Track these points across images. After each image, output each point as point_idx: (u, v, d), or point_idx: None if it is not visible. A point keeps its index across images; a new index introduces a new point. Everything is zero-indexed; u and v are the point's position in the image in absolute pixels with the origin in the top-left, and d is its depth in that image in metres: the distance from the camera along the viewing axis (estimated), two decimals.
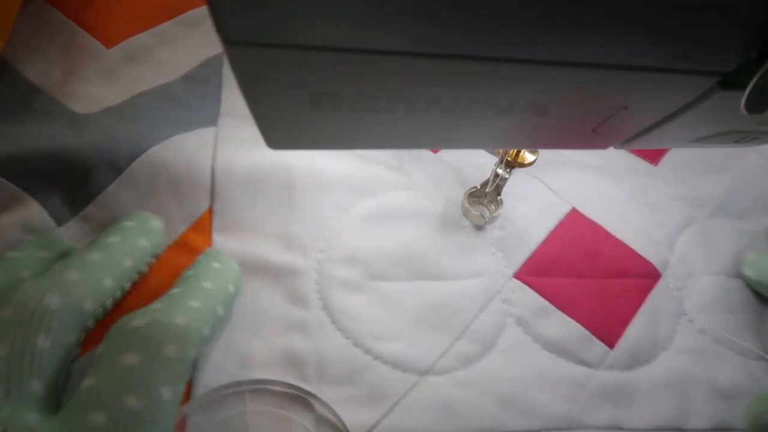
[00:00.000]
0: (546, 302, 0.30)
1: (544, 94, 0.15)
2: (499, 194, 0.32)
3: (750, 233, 0.35)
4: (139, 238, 0.27)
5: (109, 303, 0.25)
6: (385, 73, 0.13)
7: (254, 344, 0.27)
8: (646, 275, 0.32)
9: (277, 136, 0.16)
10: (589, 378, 0.29)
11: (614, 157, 0.37)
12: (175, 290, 0.25)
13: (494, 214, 0.32)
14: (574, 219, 0.34)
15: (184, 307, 0.24)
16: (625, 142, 0.19)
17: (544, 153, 0.33)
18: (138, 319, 0.22)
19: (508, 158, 0.29)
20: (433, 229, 0.32)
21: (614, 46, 0.12)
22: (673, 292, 0.32)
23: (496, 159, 0.31)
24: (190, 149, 0.32)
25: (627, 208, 0.35)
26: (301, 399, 0.26)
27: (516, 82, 0.14)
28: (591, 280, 0.32)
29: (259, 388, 0.26)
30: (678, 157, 0.38)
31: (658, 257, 0.33)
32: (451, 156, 0.35)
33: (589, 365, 0.29)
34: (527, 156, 0.29)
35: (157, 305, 0.24)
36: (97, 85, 0.35)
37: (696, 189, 0.37)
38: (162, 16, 0.39)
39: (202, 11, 0.39)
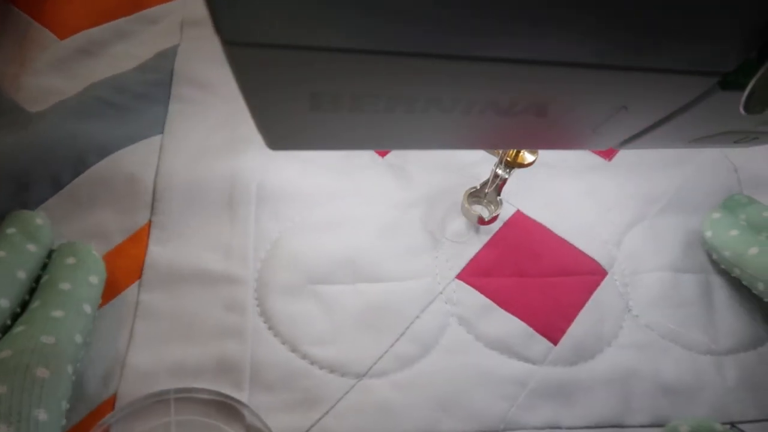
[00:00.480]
0: (488, 301, 0.30)
1: (544, 95, 0.15)
2: (499, 194, 0.32)
3: (699, 228, 0.35)
4: (27, 243, 0.26)
5: (9, 321, 0.24)
6: (384, 73, 0.13)
7: (187, 352, 0.27)
8: (591, 273, 0.32)
9: (276, 137, 0.16)
10: (531, 375, 0.29)
11: (568, 153, 0.37)
12: (35, 304, 0.24)
13: (494, 214, 0.32)
14: (519, 221, 0.34)
15: (48, 322, 0.23)
16: (624, 142, 0.19)
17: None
18: (4, 350, 0.21)
19: (508, 158, 0.29)
20: (377, 233, 0.32)
21: (614, 46, 0.12)
22: (619, 289, 0.32)
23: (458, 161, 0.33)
24: (134, 163, 0.32)
25: (576, 207, 0.35)
26: (230, 407, 0.25)
27: (516, 82, 0.14)
28: (534, 279, 0.32)
29: (185, 396, 0.25)
30: (633, 152, 0.38)
31: (605, 255, 0.33)
32: (398, 159, 0.35)
33: (533, 362, 0.29)
34: (527, 156, 0.29)
35: (19, 328, 0.23)
36: (49, 77, 0.35)
37: (648, 185, 0.36)
38: (120, 12, 0.39)
39: (162, 9, 0.40)
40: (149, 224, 0.31)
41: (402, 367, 0.28)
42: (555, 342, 0.30)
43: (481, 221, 0.32)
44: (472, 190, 0.32)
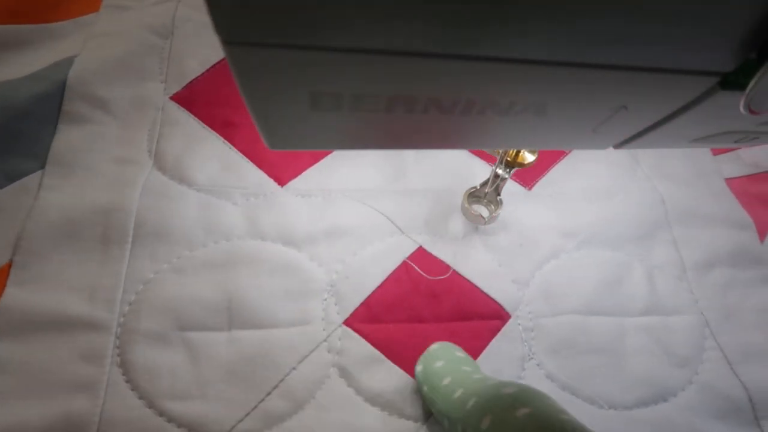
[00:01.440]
0: (375, 351, 0.28)
1: (544, 94, 0.15)
2: (499, 194, 0.32)
3: (619, 263, 0.33)
4: None
5: None
6: (384, 73, 0.13)
7: (31, 410, 0.25)
8: (493, 316, 0.30)
9: (276, 137, 0.16)
10: None
11: (483, 176, 0.34)
12: None
13: (494, 214, 0.32)
14: (420, 258, 0.31)
15: None
16: (624, 142, 0.19)
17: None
18: None
19: (508, 158, 0.29)
20: (263, 275, 0.30)
21: (614, 46, 0.12)
22: (522, 334, 0.30)
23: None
24: (4, 203, 0.31)
25: (485, 240, 0.32)
26: None
27: (516, 82, 0.14)
28: (431, 325, 0.29)
29: None
30: (555, 180, 0.36)
31: (510, 297, 0.31)
32: (307, 185, 0.35)
33: (415, 419, 0.27)
34: (527, 156, 0.29)
35: None
36: None
37: (569, 216, 0.34)
38: (26, 18, 0.40)
39: (73, 23, 0.41)
40: (9, 264, 0.29)
41: (269, 425, 0.26)
42: None
43: (481, 221, 0.32)
44: (472, 190, 0.32)
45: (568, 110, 0.16)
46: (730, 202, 0.36)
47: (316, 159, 0.35)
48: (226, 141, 0.36)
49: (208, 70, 0.39)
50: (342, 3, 0.11)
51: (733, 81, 0.14)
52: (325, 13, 0.11)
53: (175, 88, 0.39)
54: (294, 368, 0.28)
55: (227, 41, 0.11)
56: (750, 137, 0.19)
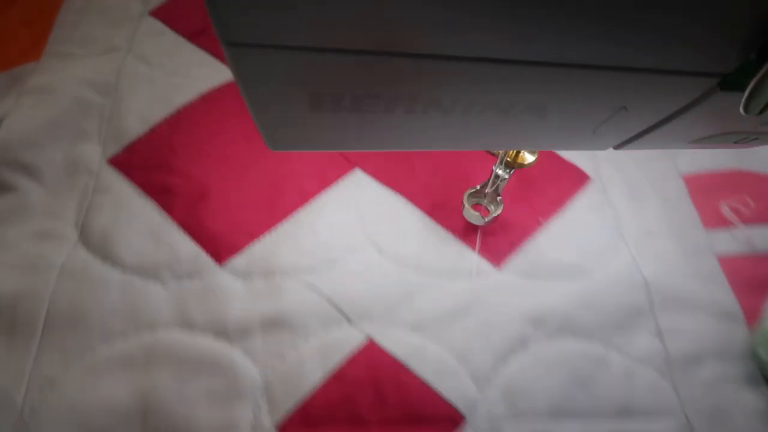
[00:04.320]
0: None
1: (544, 95, 0.15)
2: (499, 194, 0.32)
3: (595, 356, 0.28)
4: None
5: None
6: (384, 74, 0.13)
7: None
8: (445, 419, 0.26)
9: (277, 138, 0.16)
10: None
11: (448, 253, 0.32)
12: None
13: (494, 214, 0.32)
14: (369, 353, 0.27)
15: None
16: (624, 142, 0.19)
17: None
18: None
19: (508, 159, 0.29)
20: (187, 374, 0.27)
21: (614, 47, 0.13)
22: None
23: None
24: None
25: (444, 329, 0.28)
26: None
27: (516, 83, 0.14)
28: (373, 430, 0.26)
29: None
30: (529, 256, 0.32)
31: (467, 397, 0.27)
32: (239, 271, 0.30)
33: None
34: (527, 156, 0.29)
35: None
36: None
37: (540, 300, 0.30)
38: None
39: (11, 73, 0.39)
40: None
41: None
42: None
43: (481, 222, 0.32)
44: (472, 191, 0.32)
45: (568, 111, 0.16)
46: (721, 287, 0.32)
47: (266, 227, 0.32)
48: (162, 210, 0.32)
49: (151, 130, 0.36)
50: (342, 3, 0.11)
51: (733, 82, 0.14)
52: (324, 14, 0.11)
53: (113, 149, 0.35)
54: None
55: (227, 41, 0.11)
56: (750, 138, 0.19)
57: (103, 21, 0.42)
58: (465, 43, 0.12)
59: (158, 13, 0.42)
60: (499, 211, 0.32)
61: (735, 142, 0.20)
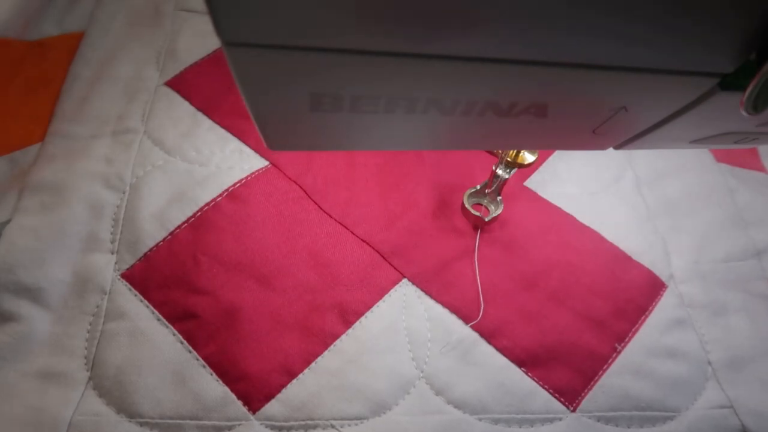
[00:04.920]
0: None
1: (545, 96, 0.15)
2: (499, 194, 0.32)
3: None
4: None
5: None
6: (384, 74, 0.13)
7: None
8: None
9: (277, 138, 0.16)
10: None
11: (518, 395, 0.28)
12: None
13: (494, 214, 0.32)
14: None
15: None
16: (624, 142, 0.19)
17: None
18: None
19: (508, 159, 0.29)
20: None
21: (614, 47, 0.13)
22: None
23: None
24: None
25: None
26: None
27: (516, 82, 0.14)
28: None
29: None
30: (607, 396, 0.28)
31: None
32: (276, 421, 0.27)
33: None
34: (527, 156, 0.29)
35: None
36: None
37: None
38: None
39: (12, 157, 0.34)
40: None
41: None
42: None
43: (481, 221, 0.32)
44: (472, 190, 0.32)
45: (569, 111, 0.16)
46: None
47: (304, 362, 0.28)
48: (184, 341, 0.28)
49: (171, 235, 0.31)
50: (342, 4, 0.11)
51: (733, 82, 0.14)
52: (324, 15, 0.11)
53: (128, 260, 0.30)
54: None
55: (227, 41, 0.11)
56: (749, 138, 0.19)
57: (115, 93, 0.37)
58: (465, 43, 0.12)
59: (175, 84, 0.38)
60: (499, 211, 0.32)
61: (735, 142, 0.20)
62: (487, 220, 0.32)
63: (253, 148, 0.35)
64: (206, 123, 0.36)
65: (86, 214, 0.32)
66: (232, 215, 0.32)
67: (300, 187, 0.33)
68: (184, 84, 0.38)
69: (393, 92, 0.14)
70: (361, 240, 0.32)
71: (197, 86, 0.38)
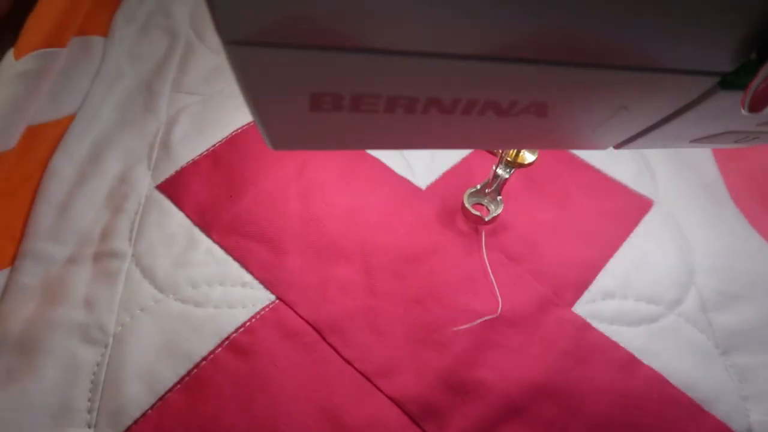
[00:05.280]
0: None
1: (544, 95, 0.15)
2: (499, 194, 0.32)
3: None
4: None
5: None
6: (384, 73, 0.13)
7: None
8: None
9: (278, 137, 0.16)
10: None
11: None
12: None
13: (494, 214, 0.32)
14: None
15: None
16: (624, 142, 0.19)
17: None
18: None
19: (508, 158, 0.29)
20: None
21: (614, 46, 0.12)
22: None
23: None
24: None
25: None
26: None
27: (516, 82, 0.14)
28: None
29: None
30: None
31: None
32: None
33: None
34: (527, 156, 0.29)
35: None
36: None
37: None
38: None
39: None
40: None
41: None
42: None
43: (481, 221, 0.32)
44: (472, 190, 0.32)
45: (569, 110, 0.16)
46: None
47: None
48: None
49: (161, 401, 0.26)
50: (341, 3, 0.11)
51: (734, 81, 0.14)
52: (324, 13, 0.11)
53: None
54: None
55: (227, 41, 0.11)
56: (750, 137, 0.19)
57: (99, 200, 0.32)
58: (465, 41, 0.12)
59: (168, 188, 0.33)
60: (499, 211, 0.32)
61: (735, 142, 0.20)
62: (487, 219, 0.32)
63: (257, 278, 0.30)
64: (204, 243, 0.31)
65: (59, 380, 0.26)
66: (233, 373, 0.27)
67: (314, 328, 0.28)
68: (178, 189, 0.33)
69: (393, 91, 0.14)
70: (388, 397, 0.27)
71: (194, 192, 0.33)
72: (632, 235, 0.34)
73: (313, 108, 0.14)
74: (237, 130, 0.37)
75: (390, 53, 0.12)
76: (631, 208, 0.35)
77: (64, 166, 0.33)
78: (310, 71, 0.13)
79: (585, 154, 0.38)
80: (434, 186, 0.35)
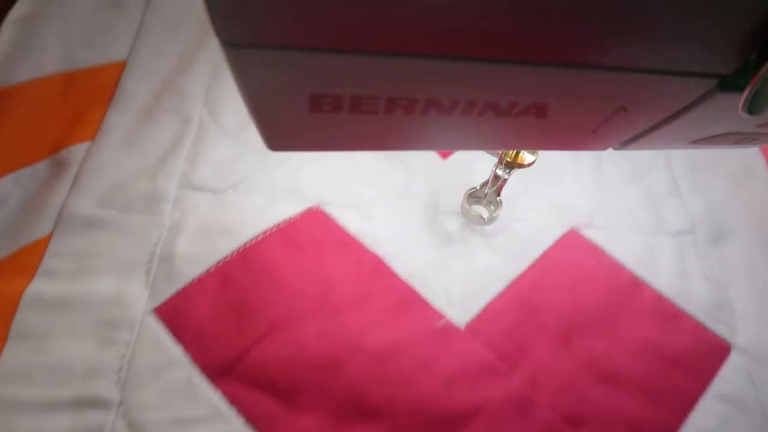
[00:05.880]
0: None
1: (544, 96, 0.15)
2: (499, 195, 0.32)
3: None
4: None
5: None
6: (384, 75, 0.13)
7: None
8: None
9: (277, 139, 0.16)
10: None
11: None
12: None
13: (494, 214, 0.32)
14: None
15: None
16: (624, 143, 0.19)
17: None
18: None
19: (508, 159, 0.29)
20: None
21: (613, 47, 0.12)
22: None
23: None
24: None
25: None
26: None
27: (516, 83, 0.14)
28: None
29: None
30: None
31: None
32: None
33: None
34: (526, 156, 0.29)
35: None
36: None
37: None
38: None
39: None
40: None
41: None
42: None
43: (481, 221, 0.32)
44: (472, 191, 0.32)
45: (568, 111, 0.16)
46: None
47: None
48: None
49: None
50: (340, 3, 0.11)
51: (733, 83, 0.14)
52: (324, 14, 0.11)
53: None
54: None
55: (227, 41, 0.11)
56: (749, 139, 0.19)
57: (86, 328, 0.27)
58: (465, 43, 0.12)
59: (166, 312, 0.28)
60: (499, 211, 0.32)
61: (735, 143, 0.20)
62: (486, 219, 0.32)
63: None
64: (203, 391, 0.26)
65: None
66: None
67: None
68: (178, 315, 0.28)
69: (393, 92, 0.14)
70: None
71: (197, 320, 0.28)
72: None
73: (313, 109, 0.14)
74: (251, 241, 0.31)
75: (389, 54, 0.12)
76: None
77: (49, 286, 0.28)
78: (311, 72, 0.13)
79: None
80: (475, 323, 0.30)
